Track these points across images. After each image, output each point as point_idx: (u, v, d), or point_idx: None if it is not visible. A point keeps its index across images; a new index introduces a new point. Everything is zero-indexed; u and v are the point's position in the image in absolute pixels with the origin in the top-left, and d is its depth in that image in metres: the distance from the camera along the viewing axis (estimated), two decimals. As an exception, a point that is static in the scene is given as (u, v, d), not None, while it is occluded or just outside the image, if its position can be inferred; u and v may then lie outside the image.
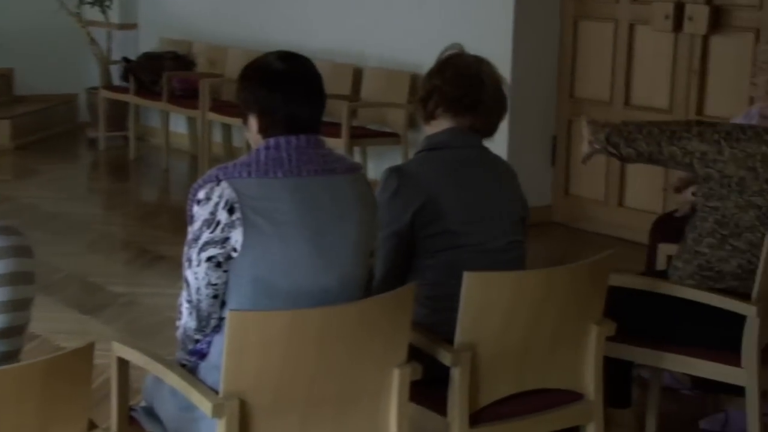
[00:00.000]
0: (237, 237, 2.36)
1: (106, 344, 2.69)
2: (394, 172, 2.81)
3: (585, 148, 3.32)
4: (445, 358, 2.60)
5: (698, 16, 5.64)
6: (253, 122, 2.47)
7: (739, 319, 3.03)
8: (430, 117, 2.88)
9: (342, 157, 2.53)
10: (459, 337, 2.59)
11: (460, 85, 2.83)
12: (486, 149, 2.92)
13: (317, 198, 2.42)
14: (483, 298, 2.58)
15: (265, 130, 2.46)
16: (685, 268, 3.18)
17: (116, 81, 8.26)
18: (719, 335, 3.10)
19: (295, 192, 2.40)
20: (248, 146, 2.55)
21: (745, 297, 3.06)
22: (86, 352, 1.98)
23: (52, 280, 5.06)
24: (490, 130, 2.91)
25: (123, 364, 2.58)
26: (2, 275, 2.08)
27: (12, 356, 2.12)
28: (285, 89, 2.43)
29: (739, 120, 4.48)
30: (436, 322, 2.77)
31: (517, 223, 2.91)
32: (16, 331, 2.12)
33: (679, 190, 3.76)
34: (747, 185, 3.04)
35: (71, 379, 1.97)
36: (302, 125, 2.44)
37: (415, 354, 2.53)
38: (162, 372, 2.45)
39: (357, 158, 6.76)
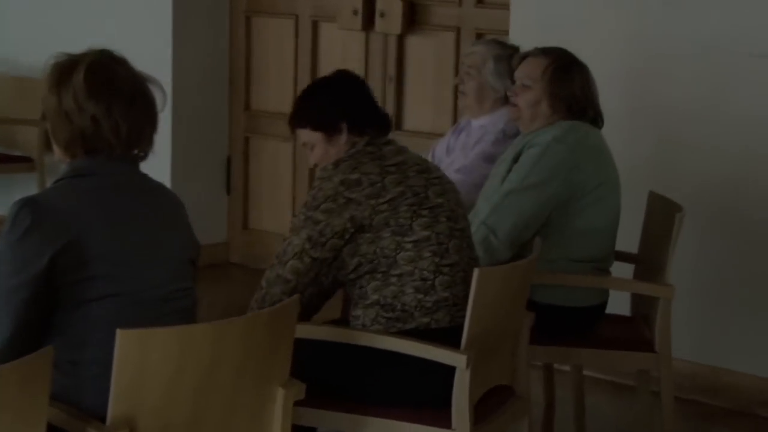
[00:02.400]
0: None
1: None
2: (27, 204, 2.75)
3: None
4: (95, 439, 2.56)
5: (392, 12, 5.88)
6: None
7: (447, 371, 3.19)
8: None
9: None
10: (112, 410, 2.57)
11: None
12: (144, 175, 2.92)
13: None
14: (140, 361, 2.57)
15: None
16: (366, 314, 3.33)
17: None
18: (426, 390, 3.25)
19: None
20: None
21: (444, 336, 3.24)
22: None
23: None
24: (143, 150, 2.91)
25: None
26: None
27: None
28: None
29: (449, 136, 4.74)
30: (83, 393, 2.73)
31: (185, 266, 2.93)
32: None
33: None
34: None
35: None
36: None
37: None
38: None
39: (-23, 190, 6.55)
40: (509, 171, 3.99)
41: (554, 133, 3.98)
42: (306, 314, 3.35)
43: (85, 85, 2.80)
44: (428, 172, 3.42)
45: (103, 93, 2.80)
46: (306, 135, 3.47)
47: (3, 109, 6.63)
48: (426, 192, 3.36)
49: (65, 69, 2.84)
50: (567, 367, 4.61)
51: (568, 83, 4.05)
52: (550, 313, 3.91)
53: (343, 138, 3.42)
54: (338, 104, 3.45)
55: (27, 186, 6.22)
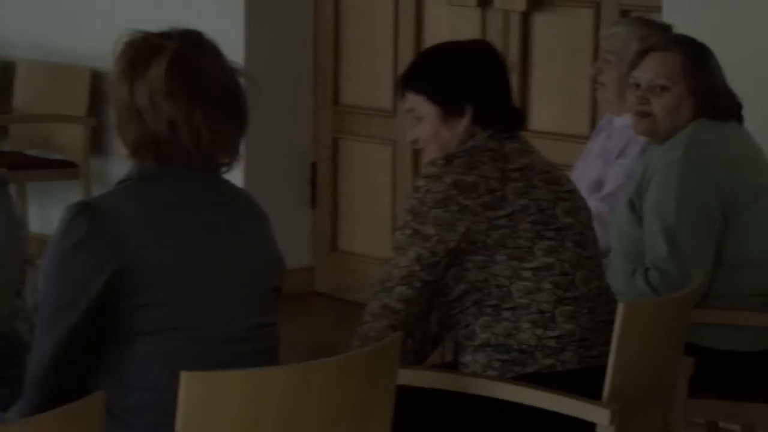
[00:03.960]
0: None
1: None
2: (83, 210, 2.79)
3: None
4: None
5: (515, -15, 5.89)
6: None
7: (583, 426, 3.16)
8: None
9: None
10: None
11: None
12: (224, 182, 2.95)
13: None
14: (206, 409, 2.58)
15: None
16: (476, 359, 3.32)
17: None
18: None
19: None
20: None
21: (573, 381, 3.21)
22: None
23: None
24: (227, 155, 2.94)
25: None
26: None
27: None
28: None
29: (595, 136, 4.70)
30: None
31: (267, 296, 2.94)
32: None
33: None
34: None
35: None
36: None
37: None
38: None
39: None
40: (639, 196, 3.94)
41: (682, 147, 3.92)
42: (420, 354, 3.34)
43: (165, 82, 2.80)
44: (557, 183, 3.40)
45: (184, 93, 2.81)
46: (417, 103, 3.44)
47: (39, 104, 6.74)
48: (553, 209, 3.34)
49: (142, 55, 2.83)
50: (736, 427, 4.54)
51: (710, 76, 3.99)
52: (714, 359, 3.86)
53: (463, 124, 3.39)
54: (471, 83, 3.42)
55: (68, 197, 6.27)
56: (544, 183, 3.37)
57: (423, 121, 3.43)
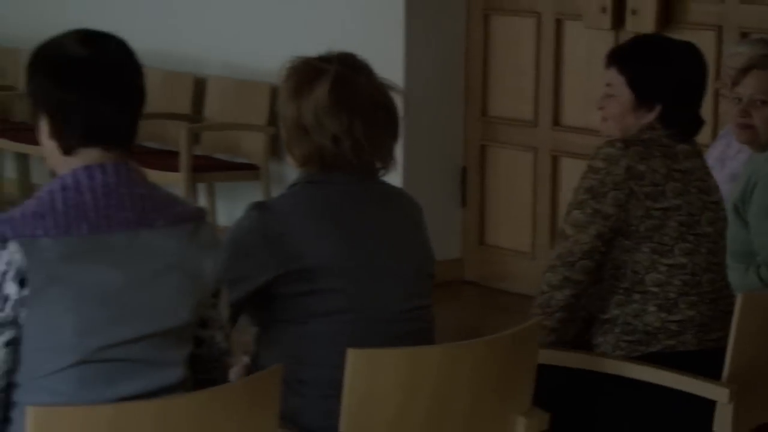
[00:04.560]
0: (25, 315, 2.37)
1: None
2: (260, 209, 2.86)
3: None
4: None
5: (644, 9, 5.81)
6: (44, 129, 2.46)
7: (702, 403, 3.12)
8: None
9: (171, 201, 2.52)
10: (343, 433, 2.61)
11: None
12: (381, 183, 2.97)
13: (128, 263, 2.42)
14: (370, 383, 2.60)
15: (58, 139, 2.44)
16: (606, 340, 3.30)
17: None
18: (681, 424, 3.19)
19: (105, 256, 2.40)
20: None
21: (691, 360, 3.18)
22: None
23: None
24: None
25: None
26: None
27: None
28: (83, 84, 2.42)
29: (715, 145, 4.65)
30: (307, 413, 2.80)
31: (422, 281, 2.96)
32: None
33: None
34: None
35: None
36: (108, 135, 2.44)
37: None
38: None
39: (202, 199, 6.75)
40: (743, 201, 3.88)
41: None
42: (568, 325, 3.31)
43: (328, 101, 2.83)
44: (708, 193, 3.36)
45: (345, 110, 2.83)
46: (617, 81, 3.35)
47: (226, 115, 6.83)
48: (700, 215, 3.31)
49: (306, 79, 2.87)
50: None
51: None
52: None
53: (648, 119, 3.32)
54: (671, 85, 3.34)
55: (251, 195, 6.36)
56: (698, 190, 3.32)
57: (614, 100, 3.35)
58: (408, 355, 2.66)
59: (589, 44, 6.05)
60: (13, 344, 2.38)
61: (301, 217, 2.84)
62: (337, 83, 2.84)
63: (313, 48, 3.00)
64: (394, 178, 3.04)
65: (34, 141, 2.68)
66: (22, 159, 7.58)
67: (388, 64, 5.90)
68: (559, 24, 6.18)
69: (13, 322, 2.37)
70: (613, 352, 3.28)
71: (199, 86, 6.99)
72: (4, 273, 2.35)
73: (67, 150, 2.44)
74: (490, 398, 2.76)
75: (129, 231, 2.42)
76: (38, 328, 2.36)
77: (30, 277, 2.35)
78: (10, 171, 7.61)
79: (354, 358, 2.58)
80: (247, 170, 6.63)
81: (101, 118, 2.44)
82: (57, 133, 2.45)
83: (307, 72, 2.88)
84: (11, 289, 2.35)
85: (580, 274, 3.27)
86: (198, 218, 2.52)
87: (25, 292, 2.35)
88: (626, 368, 3.21)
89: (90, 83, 2.43)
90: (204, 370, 2.58)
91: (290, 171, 6.27)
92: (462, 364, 2.69)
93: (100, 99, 2.43)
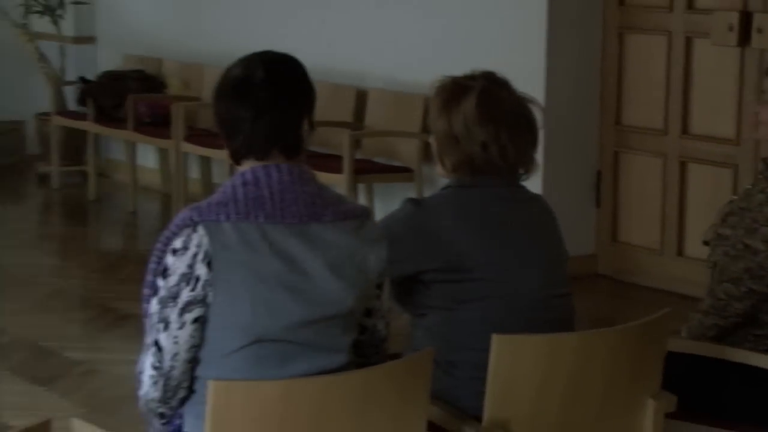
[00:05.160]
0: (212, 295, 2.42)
1: (63, 422, 2.69)
2: (414, 204, 2.89)
3: None
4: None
5: (769, 27, 5.68)
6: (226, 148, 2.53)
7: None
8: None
9: (339, 200, 2.55)
10: (488, 412, 2.60)
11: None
12: (521, 187, 2.99)
13: (301, 252, 2.44)
14: (513, 366, 2.60)
15: (235, 154, 2.49)
16: (736, 332, 3.21)
17: (71, 105, 8.32)
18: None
19: (280, 244, 2.43)
20: None
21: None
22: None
23: (-4, 344, 5.08)
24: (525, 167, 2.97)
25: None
26: None
27: None
28: (254, 99, 2.46)
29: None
30: (459, 393, 2.79)
31: (560, 270, 2.97)
32: None
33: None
34: None
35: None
36: (284, 141, 2.47)
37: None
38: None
39: (361, 197, 6.80)
40: None
41: None
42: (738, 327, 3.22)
43: (477, 112, 2.87)
44: None
45: (491, 119, 2.88)
46: None
47: (385, 122, 6.86)
48: None
49: (454, 94, 2.92)
50: None
51: None
52: None
53: None
54: None
55: (406, 195, 6.35)
56: None
57: None
58: (548, 341, 2.66)
59: (716, 59, 5.94)
60: (201, 322, 2.43)
61: (451, 214, 2.86)
62: (483, 96, 2.88)
63: (462, 64, 3.03)
64: (536, 180, 3.04)
65: (216, 145, 2.73)
66: (205, 161, 7.72)
67: (532, 76, 5.90)
68: (688, 41, 6.08)
69: (202, 301, 2.42)
70: (741, 344, 3.20)
71: (361, 98, 7.04)
72: (195, 255, 2.41)
73: (259, 156, 2.49)
74: (622, 381, 2.73)
75: (301, 224, 2.45)
76: (222, 308, 2.41)
77: (215, 259, 2.39)
78: (195, 172, 7.76)
79: (498, 343, 2.58)
80: (403, 172, 6.66)
81: (278, 129, 2.49)
82: (232, 151, 2.51)
83: (454, 89, 2.93)
84: (201, 270, 2.41)
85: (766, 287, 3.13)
86: (364, 216, 2.55)
87: (212, 273, 2.40)
88: (752, 358, 3.14)
89: (260, 99, 2.47)
90: (364, 355, 2.61)
91: (441, 173, 6.30)
92: (597, 350, 2.68)
93: (279, 113, 2.48)
